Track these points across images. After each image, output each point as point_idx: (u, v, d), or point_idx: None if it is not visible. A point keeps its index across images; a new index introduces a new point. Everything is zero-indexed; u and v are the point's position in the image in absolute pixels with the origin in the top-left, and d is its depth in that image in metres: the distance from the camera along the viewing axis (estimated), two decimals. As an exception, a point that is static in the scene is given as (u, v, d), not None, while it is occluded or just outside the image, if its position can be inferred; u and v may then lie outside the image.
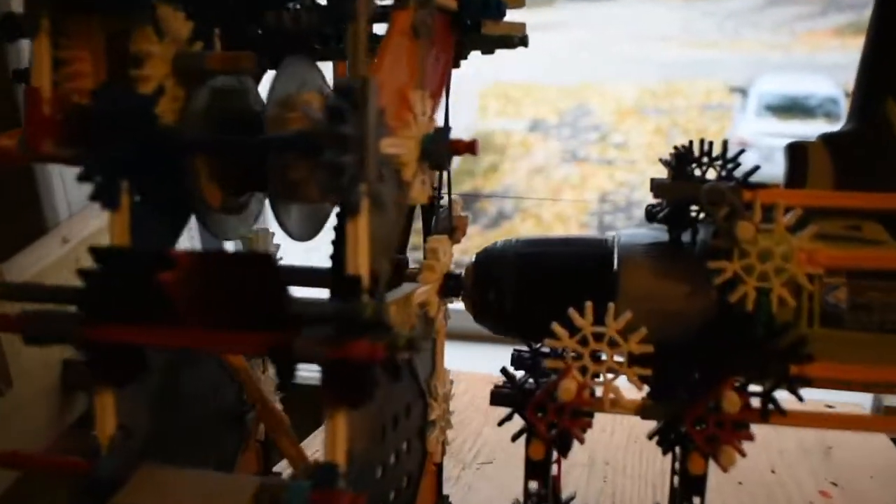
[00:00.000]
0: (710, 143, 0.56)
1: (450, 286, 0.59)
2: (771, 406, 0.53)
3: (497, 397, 0.56)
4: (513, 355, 0.58)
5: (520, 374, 0.57)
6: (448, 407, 0.63)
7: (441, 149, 0.50)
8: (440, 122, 0.55)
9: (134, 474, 0.46)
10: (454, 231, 0.62)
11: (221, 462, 0.61)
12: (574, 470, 0.80)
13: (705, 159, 0.55)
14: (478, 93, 6.39)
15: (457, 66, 0.58)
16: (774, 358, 0.52)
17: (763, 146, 3.67)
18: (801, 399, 0.52)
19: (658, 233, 0.56)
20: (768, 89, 4.63)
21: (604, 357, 0.53)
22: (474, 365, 0.94)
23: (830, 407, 0.96)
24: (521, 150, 6.12)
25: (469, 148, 0.51)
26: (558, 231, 3.97)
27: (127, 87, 0.48)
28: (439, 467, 0.62)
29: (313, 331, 0.41)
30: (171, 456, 0.57)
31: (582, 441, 0.54)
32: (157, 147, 0.49)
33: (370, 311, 0.41)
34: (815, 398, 0.80)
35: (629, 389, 0.54)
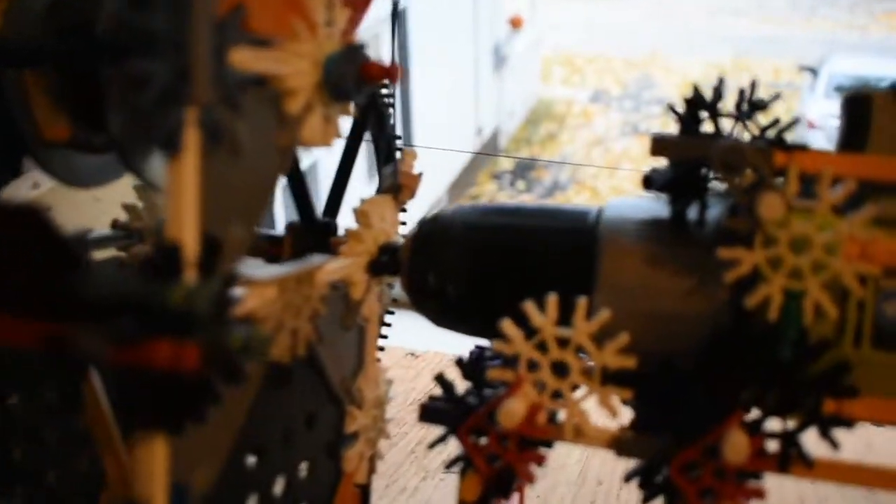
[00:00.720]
0: (742, 92, 0.41)
1: (383, 262, 0.45)
2: (793, 451, 0.38)
3: (427, 412, 0.43)
4: (459, 358, 0.44)
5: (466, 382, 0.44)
6: (382, 414, 0.49)
7: (348, 74, 0.36)
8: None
9: None
10: (399, 190, 0.48)
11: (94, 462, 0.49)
12: (558, 489, 0.66)
13: (726, 108, 0.40)
14: (541, 59, 6.24)
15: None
16: (803, 387, 0.37)
17: (831, 128, 3.48)
18: (835, 445, 0.38)
19: (657, 206, 0.42)
20: (840, 70, 4.41)
21: (569, 369, 0.39)
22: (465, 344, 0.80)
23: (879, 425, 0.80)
24: (581, 120, 5.97)
25: (387, 73, 0.37)
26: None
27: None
28: (365, 490, 0.49)
29: (102, 323, 0.28)
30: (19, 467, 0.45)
31: (530, 481, 0.41)
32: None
33: (178, 298, 0.27)
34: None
35: (602, 415, 0.40)
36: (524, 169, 5.30)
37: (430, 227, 0.44)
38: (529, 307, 0.38)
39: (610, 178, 4.96)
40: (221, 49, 0.29)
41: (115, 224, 0.51)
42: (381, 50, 3.96)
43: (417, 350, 0.94)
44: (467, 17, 4.87)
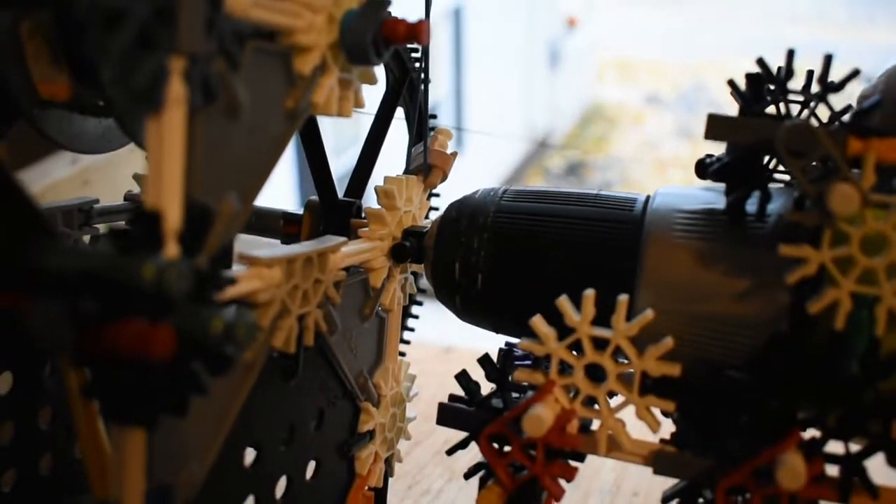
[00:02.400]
0: (810, 73, 0.37)
1: (406, 248, 0.41)
2: (856, 479, 0.34)
3: (446, 414, 0.39)
4: (484, 355, 0.40)
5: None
6: (402, 412, 0.46)
7: (368, 33, 0.32)
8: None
9: None
10: (429, 171, 0.44)
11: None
12: (589, 499, 0.62)
13: (795, 87, 0.35)
14: (596, 61, 6.19)
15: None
16: (871, 407, 0.33)
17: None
18: (907, 476, 0.33)
19: (712, 195, 0.37)
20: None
21: (606, 375, 0.35)
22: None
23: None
24: (633, 122, 5.90)
25: (413, 33, 0.33)
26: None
27: None
28: (380, 494, 0.45)
29: (64, 298, 0.24)
30: None
31: (559, 497, 0.36)
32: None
33: (150, 274, 0.24)
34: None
35: (640, 427, 0.35)
36: (574, 167, 5.24)
37: (458, 212, 0.40)
38: (563, 303, 0.34)
39: (661, 178, 4.89)
40: (215, -8, 0.26)
41: (129, 196, 0.48)
42: (435, 49, 3.95)
43: (455, 346, 0.90)
44: (523, 17, 4.84)
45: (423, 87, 0.45)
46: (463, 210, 0.40)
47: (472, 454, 0.65)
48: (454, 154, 0.46)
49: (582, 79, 5.99)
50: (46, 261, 0.24)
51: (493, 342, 0.50)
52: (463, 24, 4.17)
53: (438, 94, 3.87)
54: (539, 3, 5.00)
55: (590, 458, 0.62)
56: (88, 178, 0.98)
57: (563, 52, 5.45)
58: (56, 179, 0.96)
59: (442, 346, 0.91)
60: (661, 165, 5.10)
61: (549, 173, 5.12)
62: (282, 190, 2.56)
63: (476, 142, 4.20)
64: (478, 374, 0.40)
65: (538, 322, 0.35)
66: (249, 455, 0.36)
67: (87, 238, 0.44)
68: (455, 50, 4.17)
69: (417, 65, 0.45)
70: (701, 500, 0.36)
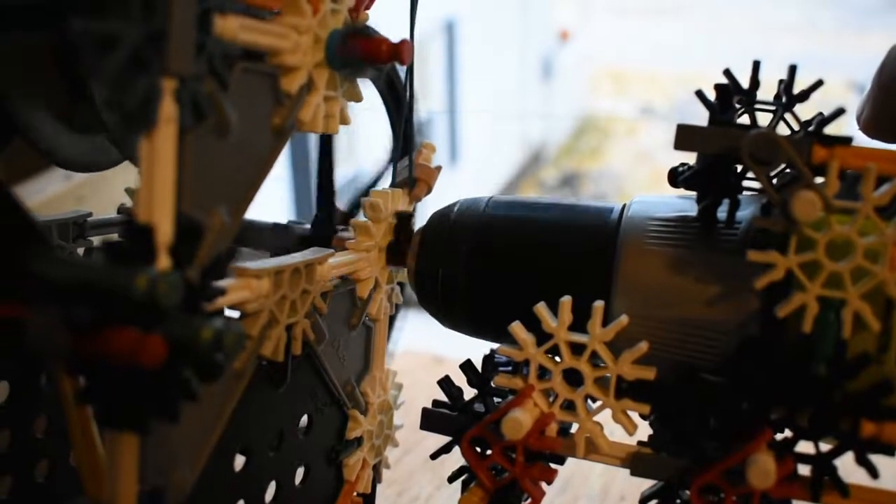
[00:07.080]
0: (783, 84, 0.38)
1: (395, 257, 0.43)
2: (826, 478, 0.35)
3: (429, 419, 0.40)
4: (466, 361, 0.41)
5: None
6: (389, 420, 0.47)
7: (355, 53, 0.33)
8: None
9: None
10: (416, 184, 0.46)
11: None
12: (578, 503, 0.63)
13: (762, 98, 0.37)
14: (589, 72, 6.22)
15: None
16: (839, 408, 0.34)
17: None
18: (875, 475, 0.34)
19: (686, 203, 0.39)
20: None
21: (583, 379, 0.36)
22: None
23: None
24: (627, 133, 5.93)
25: (395, 53, 0.34)
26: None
27: None
28: (369, 499, 0.46)
29: (60, 307, 0.26)
30: None
31: (538, 499, 0.38)
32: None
33: (142, 285, 0.25)
34: None
35: (618, 430, 0.37)
36: (568, 179, 5.27)
37: (440, 221, 0.42)
38: (541, 310, 0.36)
39: (654, 190, 4.92)
40: (206, 16, 0.27)
41: (122, 209, 0.49)
42: (429, 62, 3.98)
43: (445, 355, 0.91)
44: (516, 30, 4.87)
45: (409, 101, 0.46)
46: (444, 220, 0.42)
47: (462, 461, 0.66)
48: (438, 168, 0.47)
49: (576, 90, 6.03)
50: (45, 270, 0.25)
51: (484, 351, 0.51)
52: (456, 37, 4.20)
53: (433, 107, 3.90)
54: (532, 16, 5.05)
55: (579, 464, 0.63)
56: (82, 193, 0.99)
57: (557, 64, 5.49)
58: (50, 196, 0.97)
59: (433, 355, 0.92)
60: (655, 176, 5.13)
61: (543, 185, 5.15)
62: (277, 205, 2.58)
63: (470, 154, 4.22)
64: (464, 381, 0.41)
65: (517, 328, 0.36)
66: (240, 461, 0.37)
67: (81, 250, 0.45)
68: (448, 63, 4.20)
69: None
70: (678, 501, 0.38)
